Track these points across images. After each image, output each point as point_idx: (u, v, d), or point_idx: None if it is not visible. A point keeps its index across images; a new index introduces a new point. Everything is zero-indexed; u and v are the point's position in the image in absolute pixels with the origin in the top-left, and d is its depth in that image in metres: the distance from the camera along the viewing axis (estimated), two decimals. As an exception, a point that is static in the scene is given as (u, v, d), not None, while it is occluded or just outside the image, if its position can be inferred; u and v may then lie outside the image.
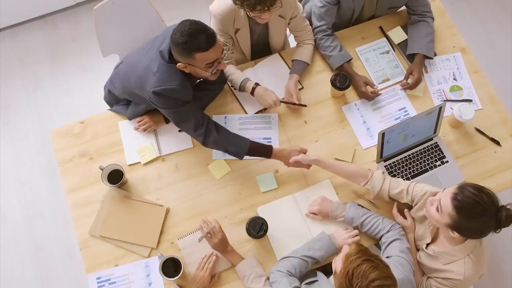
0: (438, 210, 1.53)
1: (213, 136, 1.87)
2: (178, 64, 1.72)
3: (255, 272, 1.75)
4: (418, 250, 1.77)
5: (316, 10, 2.15)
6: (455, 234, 1.53)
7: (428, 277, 1.71)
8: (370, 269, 1.31)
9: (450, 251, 1.62)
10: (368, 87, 2.11)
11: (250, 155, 1.92)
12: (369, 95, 2.11)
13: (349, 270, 1.33)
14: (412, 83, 2.10)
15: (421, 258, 1.73)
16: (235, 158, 1.94)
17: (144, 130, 2.06)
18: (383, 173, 1.82)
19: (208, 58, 1.69)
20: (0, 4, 2.97)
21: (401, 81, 2.14)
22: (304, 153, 1.93)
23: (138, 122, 2.07)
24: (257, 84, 2.06)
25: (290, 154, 1.91)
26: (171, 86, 1.74)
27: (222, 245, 1.79)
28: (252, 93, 2.07)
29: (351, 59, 2.15)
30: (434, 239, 1.71)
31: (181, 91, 1.77)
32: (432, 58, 2.16)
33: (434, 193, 1.69)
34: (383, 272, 1.32)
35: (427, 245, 1.71)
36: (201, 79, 1.99)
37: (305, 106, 2.10)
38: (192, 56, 1.67)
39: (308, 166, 1.93)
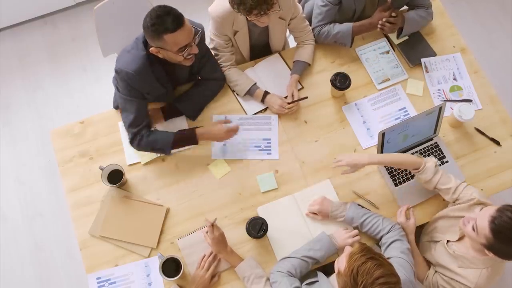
0: (474, 230, 1.52)
1: (138, 141, 1.89)
2: (151, 48, 1.73)
3: (255, 274, 1.74)
4: (430, 242, 1.76)
5: (317, 9, 2.16)
6: (490, 254, 1.51)
7: (436, 272, 1.70)
8: (375, 267, 1.31)
9: (471, 259, 1.61)
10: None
11: (178, 147, 1.94)
12: (384, 21, 2.06)
13: (353, 268, 1.33)
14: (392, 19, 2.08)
15: (437, 251, 1.71)
16: (163, 154, 1.97)
17: None
18: (435, 166, 1.78)
19: (178, 41, 1.68)
20: (0, 4, 2.97)
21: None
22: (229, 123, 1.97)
23: None
24: (266, 92, 2.09)
25: (218, 130, 1.91)
26: (126, 70, 1.76)
27: (222, 243, 1.79)
28: (262, 100, 2.09)
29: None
30: (459, 239, 1.70)
31: (135, 78, 1.78)
32: (399, 6, 2.12)
33: (482, 202, 1.68)
34: (388, 270, 1.32)
35: (448, 241, 1.70)
36: (195, 73, 2.04)
37: (306, 98, 2.08)
38: (161, 38, 1.67)
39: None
